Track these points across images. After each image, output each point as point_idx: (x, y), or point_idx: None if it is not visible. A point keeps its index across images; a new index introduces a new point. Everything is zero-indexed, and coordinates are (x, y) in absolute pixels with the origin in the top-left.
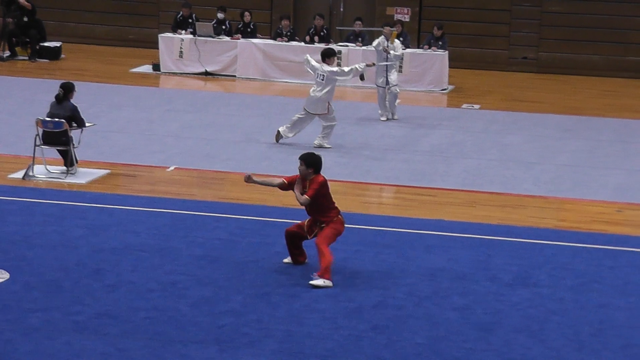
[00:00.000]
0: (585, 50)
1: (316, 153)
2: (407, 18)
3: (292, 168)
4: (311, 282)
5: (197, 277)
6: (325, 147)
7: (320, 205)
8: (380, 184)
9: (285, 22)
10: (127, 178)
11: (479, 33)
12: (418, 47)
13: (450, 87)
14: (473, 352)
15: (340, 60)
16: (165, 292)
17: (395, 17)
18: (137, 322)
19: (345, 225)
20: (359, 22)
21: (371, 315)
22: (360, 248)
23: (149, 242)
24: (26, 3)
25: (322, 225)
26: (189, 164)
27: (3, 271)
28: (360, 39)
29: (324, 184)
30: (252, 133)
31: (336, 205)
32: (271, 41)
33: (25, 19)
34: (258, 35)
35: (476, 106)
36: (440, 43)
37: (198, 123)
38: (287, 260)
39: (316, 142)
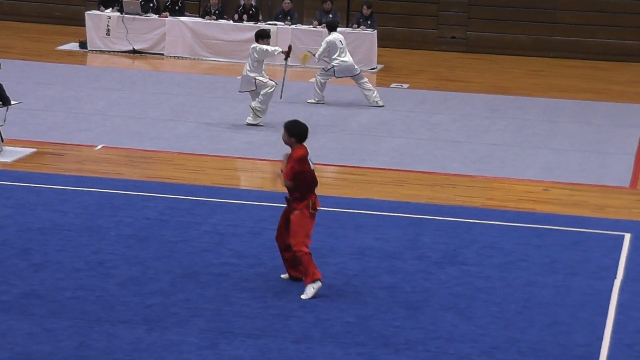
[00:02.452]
0: (512, 30)
1: (302, 121)
2: None
3: (222, 147)
4: (303, 296)
5: (126, 257)
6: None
7: (299, 184)
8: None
9: (213, 1)
10: (54, 157)
11: (408, 12)
12: (347, 26)
13: (380, 66)
14: (401, 330)
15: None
16: (93, 271)
17: None
18: (64, 302)
19: (273, 205)
20: (288, 1)
21: (300, 294)
22: None
23: (76, 221)
24: None
25: (291, 211)
26: (117, 142)
27: None
28: (289, 17)
29: (302, 159)
30: (180, 111)
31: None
32: (200, 19)
33: None
34: (186, 13)
35: (405, 85)
36: (369, 22)
37: (126, 101)
38: (284, 276)
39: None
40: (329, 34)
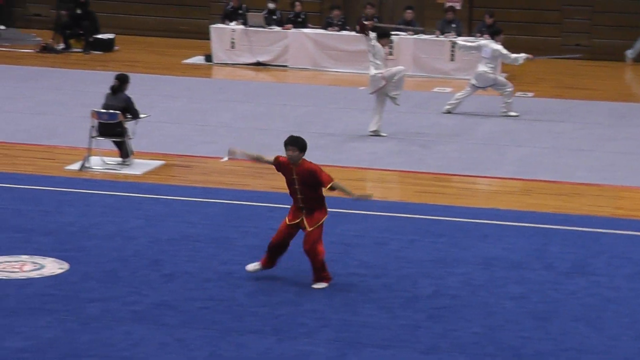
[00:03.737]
0: (636, 36)
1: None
2: (458, 6)
3: (346, 156)
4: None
5: None
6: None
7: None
8: (434, 173)
9: (336, 12)
10: (181, 169)
11: (530, 20)
12: (470, 35)
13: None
14: (531, 341)
15: (392, 49)
16: (222, 281)
17: (446, 5)
18: (194, 312)
19: (398, 215)
20: (410, 11)
21: (427, 305)
22: (415, 237)
23: (204, 232)
24: None
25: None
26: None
27: (62, 262)
28: (411, 27)
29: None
30: (304, 122)
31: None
32: (322, 31)
33: (79, 11)
34: (309, 24)
35: (529, 94)
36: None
37: (250, 113)
38: (254, 267)
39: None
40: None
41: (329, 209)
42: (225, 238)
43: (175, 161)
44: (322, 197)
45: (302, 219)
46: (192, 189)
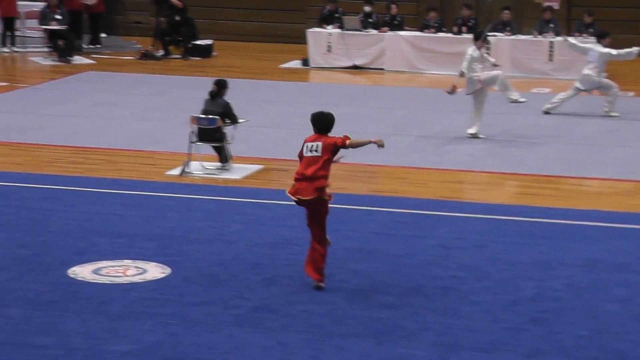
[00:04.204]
0: None
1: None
2: (556, 5)
3: (444, 158)
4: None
5: (353, 271)
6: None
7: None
8: (534, 175)
9: (432, 14)
10: (280, 173)
11: (630, 18)
12: (569, 35)
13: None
14: (637, 344)
15: (490, 51)
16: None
17: (544, 5)
18: (295, 315)
19: (498, 217)
20: (507, 11)
21: (529, 308)
22: (516, 240)
23: (304, 236)
24: (177, 2)
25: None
26: None
27: (164, 266)
28: (508, 27)
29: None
30: (401, 125)
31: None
32: (419, 33)
33: (177, 17)
34: (405, 27)
35: (630, 93)
36: (591, 30)
37: (347, 116)
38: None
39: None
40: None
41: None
42: None
43: (274, 165)
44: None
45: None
46: None
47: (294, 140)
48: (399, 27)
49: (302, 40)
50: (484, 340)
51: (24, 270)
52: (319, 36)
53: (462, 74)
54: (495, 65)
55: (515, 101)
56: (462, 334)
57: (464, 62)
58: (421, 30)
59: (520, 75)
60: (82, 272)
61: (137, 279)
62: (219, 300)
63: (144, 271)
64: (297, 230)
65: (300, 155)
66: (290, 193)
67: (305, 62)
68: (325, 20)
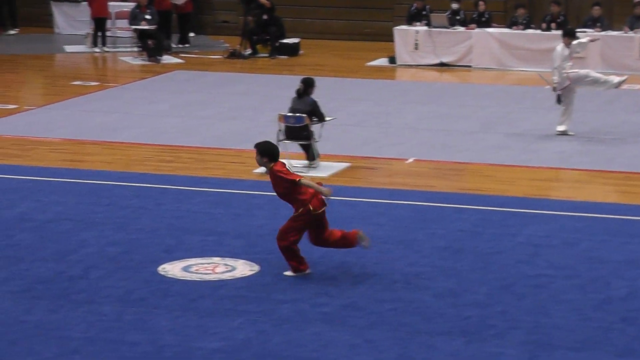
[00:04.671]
0: None
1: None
2: None
3: (533, 156)
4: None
5: (441, 269)
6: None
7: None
8: (625, 172)
9: (520, 10)
10: (367, 171)
11: None
12: None
13: None
14: None
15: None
16: (410, 283)
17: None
18: (383, 314)
19: (587, 215)
20: (597, 7)
21: (621, 307)
22: (607, 238)
23: (391, 234)
24: (265, 1)
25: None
26: (427, 155)
27: (253, 263)
28: (598, 24)
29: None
30: (489, 123)
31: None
32: (507, 30)
33: (265, 16)
34: (493, 24)
35: None
36: None
37: (434, 114)
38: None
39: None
40: None
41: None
42: (412, 240)
43: (361, 163)
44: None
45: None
46: (377, 191)
47: (381, 138)
48: (487, 24)
49: (389, 38)
50: (575, 339)
51: (115, 268)
52: (406, 34)
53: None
54: (592, 41)
55: (618, 84)
56: (552, 333)
57: (556, 61)
58: (509, 27)
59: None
60: (172, 269)
61: (226, 276)
62: (307, 298)
63: (233, 268)
64: (384, 229)
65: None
66: (316, 207)
67: (392, 59)
68: (413, 17)
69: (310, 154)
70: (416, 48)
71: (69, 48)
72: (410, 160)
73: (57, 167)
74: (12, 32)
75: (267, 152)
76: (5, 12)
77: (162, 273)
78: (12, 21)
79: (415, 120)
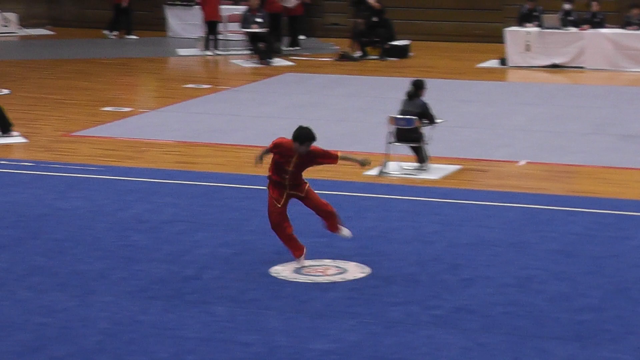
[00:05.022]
0: None
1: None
2: None
3: None
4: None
5: (553, 272)
6: None
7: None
8: None
9: (634, 11)
10: (477, 173)
11: None
12: None
13: None
14: None
15: None
16: (522, 287)
17: None
18: (495, 317)
19: None
20: None
21: None
22: None
23: (502, 236)
24: (375, 3)
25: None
26: (539, 157)
27: (364, 266)
28: None
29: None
30: (602, 124)
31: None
32: (620, 30)
33: (375, 18)
34: (606, 24)
35: None
36: None
37: (546, 116)
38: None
39: None
40: None
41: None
42: (524, 242)
43: (472, 165)
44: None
45: (288, 193)
46: (488, 193)
47: (492, 140)
48: (600, 25)
49: (499, 39)
50: None
51: (227, 269)
52: (517, 35)
53: None
54: None
55: None
56: None
57: None
58: (623, 27)
59: None
60: (284, 271)
61: (337, 278)
62: (418, 301)
63: (344, 271)
64: (495, 231)
65: None
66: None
67: (503, 61)
68: (524, 18)
69: (421, 156)
70: (527, 49)
71: (181, 51)
72: (522, 162)
73: (170, 169)
74: (132, 36)
75: (310, 137)
76: (122, 18)
77: (274, 274)
78: (128, 26)
79: (527, 122)
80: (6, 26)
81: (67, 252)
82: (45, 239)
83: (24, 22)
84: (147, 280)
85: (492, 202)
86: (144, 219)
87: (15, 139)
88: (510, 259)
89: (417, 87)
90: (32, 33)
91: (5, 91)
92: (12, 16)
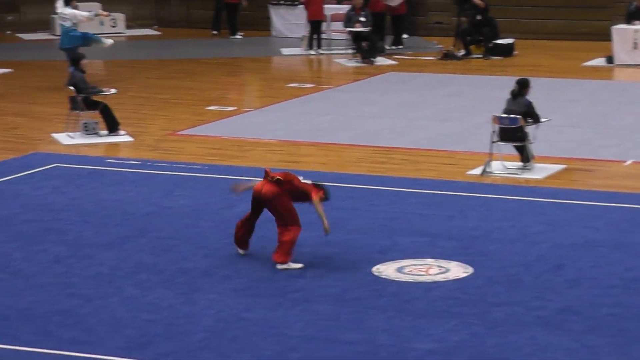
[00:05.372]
0: None
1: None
2: None
3: None
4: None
5: None
6: None
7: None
8: None
9: None
10: (583, 173)
11: None
12: None
13: None
14: None
15: None
16: (628, 288)
17: None
18: (601, 319)
19: None
20: None
21: None
22: None
23: (608, 237)
24: (479, 1)
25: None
26: None
27: (466, 265)
28: None
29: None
30: None
31: None
32: None
33: (479, 17)
34: None
35: None
36: None
37: None
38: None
39: None
40: None
41: None
42: (631, 244)
43: (577, 165)
44: None
45: None
46: (594, 193)
47: (598, 139)
48: None
49: (606, 37)
50: None
51: (331, 268)
52: (624, 33)
53: None
54: None
55: None
56: None
57: None
58: None
59: None
60: (386, 270)
61: (440, 277)
62: (522, 301)
63: (446, 270)
64: (601, 232)
65: None
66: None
67: (610, 59)
68: (632, 16)
69: (525, 156)
70: (635, 47)
71: (285, 51)
72: (629, 162)
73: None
74: (238, 36)
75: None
76: (225, 17)
77: (377, 274)
78: (232, 27)
79: (634, 122)
80: (114, 27)
81: (173, 250)
82: (151, 237)
83: (131, 23)
84: (251, 278)
85: (597, 202)
86: None
87: (122, 137)
88: (616, 260)
89: (522, 86)
90: (139, 33)
91: (113, 91)
92: (120, 17)
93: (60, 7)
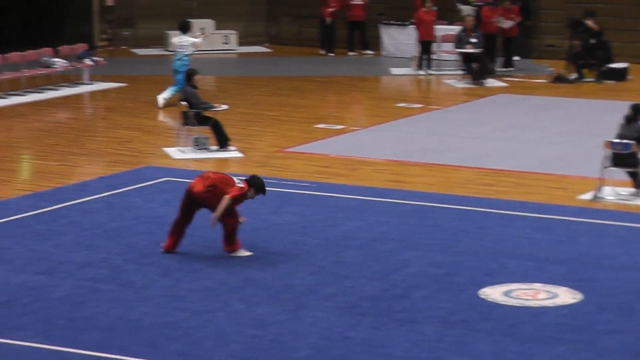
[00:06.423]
0: None
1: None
2: None
3: None
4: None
5: None
6: None
7: None
8: None
9: None
10: None
11: None
12: None
13: None
14: None
15: None
16: None
17: None
18: None
19: None
20: None
21: None
22: None
23: None
24: (594, 25)
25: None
26: None
27: (576, 291)
28: None
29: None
30: None
31: None
32: None
33: (592, 40)
34: None
35: None
36: None
37: None
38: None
39: None
40: None
41: None
42: None
43: None
44: None
45: None
46: None
47: None
48: None
49: None
50: None
51: (437, 289)
52: None
53: None
54: None
55: None
56: None
57: None
58: None
59: None
60: (493, 293)
61: (548, 303)
62: (633, 330)
63: (555, 295)
64: None
65: None
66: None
67: None
68: None
69: (638, 182)
70: None
71: (394, 70)
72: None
73: (381, 187)
74: (369, 52)
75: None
76: (357, 36)
77: (483, 297)
78: (364, 44)
79: None
80: (226, 44)
81: (280, 266)
82: (260, 252)
83: (242, 40)
84: (356, 296)
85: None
86: (354, 235)
87: (231, 153)
88: None
89: (636, 111)
90: (250, 51)
91: (224, 107)
92: (232, 34)
93: (178, 38)
